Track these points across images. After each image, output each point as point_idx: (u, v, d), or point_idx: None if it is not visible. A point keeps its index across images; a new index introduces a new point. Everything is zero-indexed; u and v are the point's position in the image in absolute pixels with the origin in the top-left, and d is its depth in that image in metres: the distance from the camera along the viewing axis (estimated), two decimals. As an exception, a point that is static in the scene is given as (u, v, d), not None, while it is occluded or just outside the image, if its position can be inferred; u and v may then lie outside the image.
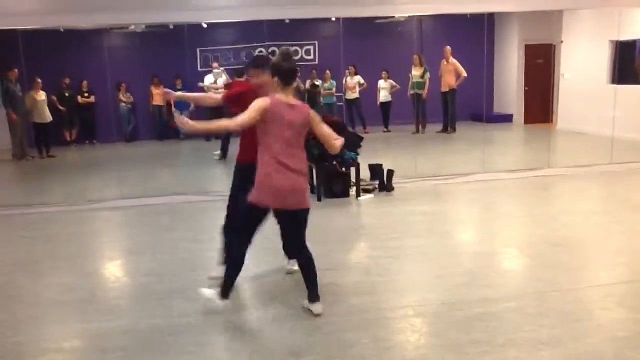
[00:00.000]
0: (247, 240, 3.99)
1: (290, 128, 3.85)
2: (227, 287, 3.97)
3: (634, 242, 5.43)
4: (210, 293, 4.05)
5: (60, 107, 13.33)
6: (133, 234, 6.65)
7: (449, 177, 8.44)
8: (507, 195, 7.65)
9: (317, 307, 3.98)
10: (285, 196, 3.85)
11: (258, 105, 3.79)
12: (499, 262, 5.13)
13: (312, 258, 4.03)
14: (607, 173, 8.52)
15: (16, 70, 11.46)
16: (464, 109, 13.58)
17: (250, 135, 4.00)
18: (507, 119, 14.98)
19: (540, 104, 14.56)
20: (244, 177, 4.23)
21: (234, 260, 4.02)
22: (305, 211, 4.00)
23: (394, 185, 7.91)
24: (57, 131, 13.18)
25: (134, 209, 7.50)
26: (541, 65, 14.45)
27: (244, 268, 4.05)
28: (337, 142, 4.06)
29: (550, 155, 9.39)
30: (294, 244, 4.15)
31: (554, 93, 14.06)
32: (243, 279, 4.74)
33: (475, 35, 11.84)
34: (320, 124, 4.02)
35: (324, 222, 6.55)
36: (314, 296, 4.01)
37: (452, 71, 12.88)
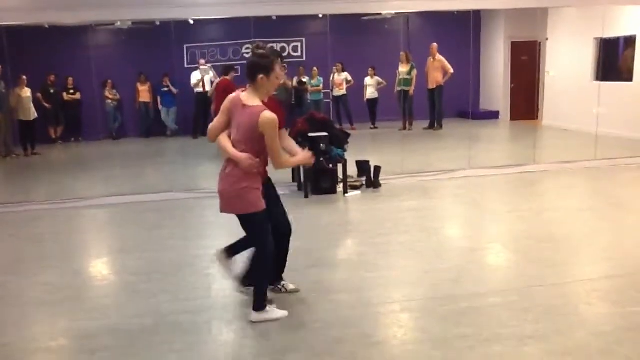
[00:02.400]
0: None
1: (237, 129, 3.64)
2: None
3: (618, 238, 5.50)
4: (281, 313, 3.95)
5: (45, 104, 13.21)
6: (120, 231, 6.62)
7: (435, 173, 8.49)
8: (493, 191, 7.72)
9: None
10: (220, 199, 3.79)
11: (222, 105, 3.72)
12: (484, 257, 5.17)
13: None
14: (591, 169, 8.62)
15: (0, 67, 11.34)
16: (450, 106, 13.65)
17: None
18: (494, 115, 15.08)
19: (526, 100, 14.66)
20: None
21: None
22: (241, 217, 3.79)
23: (381, 182, 7.95)
24: (42, 128, 13.07)
25: (120, 207, 7.47)
26: (526, 62, 14.56)
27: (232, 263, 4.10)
28: (285, 162, 3.75)
29: (535, 152, 9.48)
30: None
31: (539, 90, 14.18)
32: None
33: (462, 32, 11.89)
34: (271, 135, 3.55)
35: (311, 219, 6.57)
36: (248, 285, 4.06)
37: (439, 68, 12.93)
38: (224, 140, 3.67)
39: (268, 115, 3.54)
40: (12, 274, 5.12)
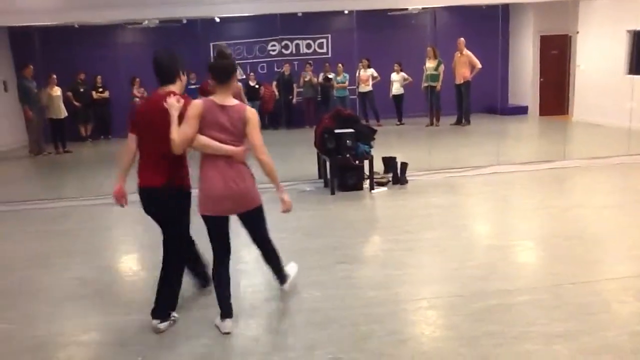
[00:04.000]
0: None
1: (219, 130, 3.62)
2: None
3: (650, 235, 5.38)
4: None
5: (75, 103, 13.45)
6: (148, 228, 6.66)
7: (463, 169, 8.40)
8: (522, 187, 7.61)
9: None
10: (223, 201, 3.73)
11: (192, 112, 3.59)
12: (513, 254, 5.10)
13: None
14: (623, 165, 8.43)
15: (31, 67, 11.59)
16: (478, 101, 13.51)
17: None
18: (522, 110, 14.88)
19: (556, 95, 14.44)
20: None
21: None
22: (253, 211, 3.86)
23: (407, 178, 7.90)
24: (72, 126, 13.31)
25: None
26: (556, 56, 14.33)
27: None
28: (260, 157, 3.66)
29: (565, 147, 9.32)
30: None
31: (569, 84, 13.94)
32: (256, 272, 4.79)
33: (490, 26, 11.74)
34: (257, 129, 3.68)
35: (338, 215, 6.56)
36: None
37: (466, 63, 12.81)
38: (207, 140, 3.61)
39: (252, 110, 3.73)
40: (44, 268, 5.23)
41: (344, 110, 8.29)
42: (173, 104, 3.67)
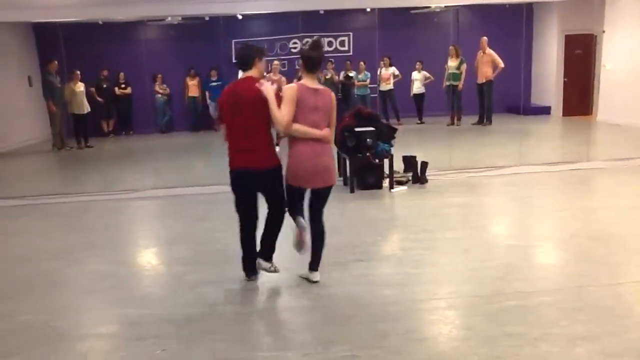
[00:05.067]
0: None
1: (314, 112, 4.06)
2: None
3: (676, 237, 5.26)
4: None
5: (98, 98, 13.59)
6: (167, 223, 6.75)
7: (483, 169, 8.32)
8: (544, 188, 7.50)
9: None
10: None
11: (290, 94, 4.01)
12: (534, 255, 5.04)
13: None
14: (648, 166, 8.28)
15: (55, 62, 11.73)
16: (500, 101, 13.37)
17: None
18: (545, 110, 14.70)
19: (580, 95, 14.24)
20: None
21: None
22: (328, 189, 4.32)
23: (427, 177, 7.84)
24: (95, 122, 13.47)
25: (168, 199, 7.61)
26: (581, 56, 14.12)
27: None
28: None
29: (589, 148, 9.17)
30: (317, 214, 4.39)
31: (593, 84, 13.73)
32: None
33: (513, 25, 11.63)
34: (335, 111, 4.24)
35: (357, 214, 6.54)
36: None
37: (489, 62, 12.68)
38: (302, 126, 4.05)
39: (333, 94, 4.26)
40: (64, 261, 5.29)
41: (365, 109, 8.25)
42: (267, 87, 4.05)
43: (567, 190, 7.43)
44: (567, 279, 4.41)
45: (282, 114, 3.97)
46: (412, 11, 12.98)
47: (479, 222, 6.04)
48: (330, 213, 6.57)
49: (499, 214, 6.58)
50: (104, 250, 5.58)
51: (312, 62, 4.11)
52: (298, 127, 4.03)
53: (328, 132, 4.17)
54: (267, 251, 4.43)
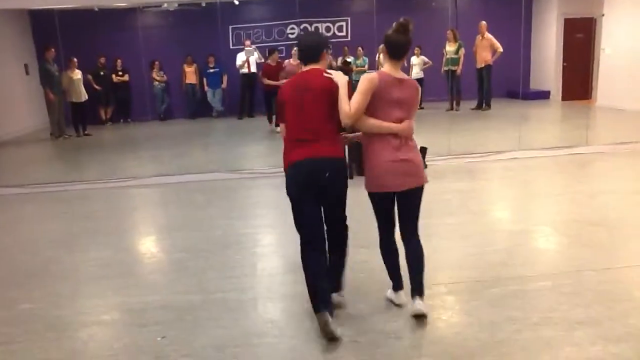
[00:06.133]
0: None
1: (398, 106, 3.49)
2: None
3: (675, 221, 5.28)
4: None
5: (96, 86, 13.54)
6: (168, 210, 6.75)
7: (483, 154, 8.32)
8: (543, 173, 7.51)
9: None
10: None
11: (367, 86, 3.41)
12: (534, 240, 5.05)
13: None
14: (648, 150, 8.28)
15: (53, 50, 11.65)
16: (499, 86, 13.34)
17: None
18: (544, 95, 14.67)
19: (579, 79, 14.20)
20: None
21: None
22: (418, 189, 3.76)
23: (426, 163, 7.82)
24: (93, 110, 13.41)
25: (168, 186, 7.61)
26: (581, 40, 14.07)
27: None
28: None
29: (588, 132, 9.16)
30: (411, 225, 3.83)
31: (593, 68, 13.69)
32: (272, 254, 4.80)
33: (512, 9, 11.55)
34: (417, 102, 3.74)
35: (356, 200, 6.51)
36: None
37: (488, 46, 12.62)
38: (374, 120, 3.47)
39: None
40: (66, 249, 5.30)
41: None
42: (340, 75, 3.51)
43: (567, 174, 7.43)
44: (567, 263, 4.43)
45: (350, 103, 3.38)
46: (411, -5, 12.90)
47: (478, 207, 6.04)
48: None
49: (498, 199, 6.59)
50: (106, 237, 5.59)
51: (399, 48, 3.53)
52: (369, 120, 3.45)
53: (408, 125, 3.54)
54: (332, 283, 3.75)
